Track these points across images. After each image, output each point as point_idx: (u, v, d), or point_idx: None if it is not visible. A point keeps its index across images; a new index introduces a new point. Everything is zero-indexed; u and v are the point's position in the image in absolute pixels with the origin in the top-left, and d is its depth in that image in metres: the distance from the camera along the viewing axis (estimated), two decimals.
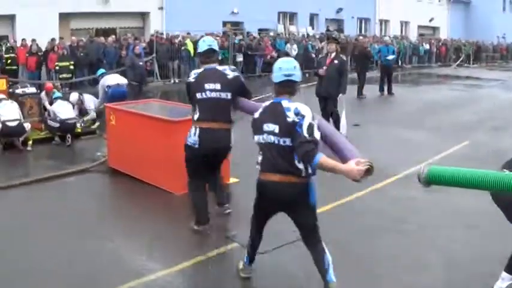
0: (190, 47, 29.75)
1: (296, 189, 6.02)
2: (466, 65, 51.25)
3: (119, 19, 34.17)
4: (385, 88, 26.27)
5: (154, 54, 28.80)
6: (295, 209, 6.26)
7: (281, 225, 7.64)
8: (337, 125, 15.02)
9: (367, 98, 24.76)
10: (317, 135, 5.76)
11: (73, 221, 8.89)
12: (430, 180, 4.98)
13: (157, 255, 7.63)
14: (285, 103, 5.96)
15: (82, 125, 15.65)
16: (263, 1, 39.90)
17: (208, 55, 8.33)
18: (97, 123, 16.04)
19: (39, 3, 28.06)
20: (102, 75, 17.43)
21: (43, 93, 16.01)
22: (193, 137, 8.11)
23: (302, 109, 5.84)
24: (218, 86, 8.04)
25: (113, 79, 16.77)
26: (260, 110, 6.30)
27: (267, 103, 6.28)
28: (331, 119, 14.78)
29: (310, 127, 5.71)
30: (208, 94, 8.04)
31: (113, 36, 29.81)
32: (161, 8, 35.94)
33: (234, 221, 8.89)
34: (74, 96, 16.49)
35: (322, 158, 5.59)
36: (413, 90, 30.04)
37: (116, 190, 11.19)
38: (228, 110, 8.19)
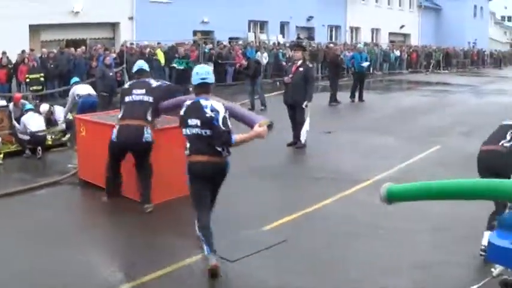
0: (160, 56, 29.74)
1: (218, 166, 7.55)
2: (436, 71, 51.62)
3: (89, 30, 33.96)
4: (356, 95, 26.40)
5: (124, 65, 28.68)
6: (217, 181, 7.79)
7: (250, 231, 7.70)
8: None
9: (339, 105, 24.85)
10: (229, 123, 7.36)
11: (43, 233, 8.84)
12: (390, 199, 5.53)
13: (128, 266, 7.61)
14: (203, 101, 7.42)
15: (52, 136, 15.59)
16: (234, 10, 39.91)
17: (140, 73, 10.43)
18: (68, 135, 15.94)
19: (9, 16, 27.78)
20: (75, 83, 17.42)
21: (11, 105, 15.88)
22: (115, 132, 9.84)
23: (216, 106, 7.38)
24: (143, 91, 9.82)
25: (84, 89, 16.76)
26: (184, 109, 7.64)
27: (188, 102, 7.65)
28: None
29: (224, 120, 7.27)
30: (134, 97, 9.80)
31: (83, 47, 29.69)
32: (131, 18, 35.80)
33: None
34: (45, 107, 16.38)
35: (236, 137, 7.35)
36: (385, 96, 30.22)
37: (87, 202, 11.10)
38: (147, 110, 9.79)
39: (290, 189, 11.65)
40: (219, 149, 7.41)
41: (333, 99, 25.05)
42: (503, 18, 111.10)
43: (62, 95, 24.75)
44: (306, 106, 15.11)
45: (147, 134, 9.71)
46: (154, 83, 10.16)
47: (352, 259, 7.83)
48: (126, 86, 10.25)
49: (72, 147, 14.50)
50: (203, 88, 7.59)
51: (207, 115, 7.28)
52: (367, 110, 24.19)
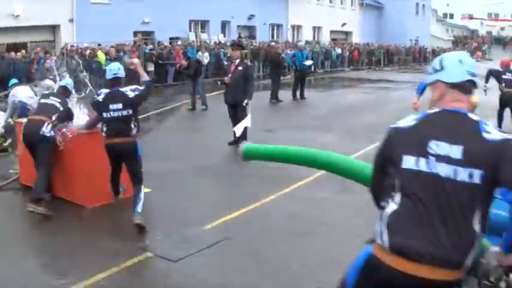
0: (101, 58, 29.54)
1: (130, 145, 8.99)
2: (378, 68, 52.13)
3: (29, 33, 33.61)
4: (298, 93, 26.62)
5: (65, 67, 28.40)
6: (129, 159, 9.09)
7: (192, 230, 7.74)
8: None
9: (280, 104, 25.05)
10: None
11: None
12: (246, 157, 6.76)
13: (71, 269, 7.54)
14: (121, 89, 9.01)
15: None
16: (174, 10, 39.85)
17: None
18: (9, 140, 15.74)
19: None
20: (14, 85, 17.20)
21: None
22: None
23: (135, 86, 9.13)
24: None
25: (24, 92, 16.53)
26: (102, 96, 9.10)
27: (107, 91, 9.16)
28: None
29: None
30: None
31: (23, 51, 29.36)
32: (71, 20, 35.55)
33: (148, 231, 8.90)
34: None
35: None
36: (326, 94, 30.45)
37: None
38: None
39: (232, 187, 11.72)
40: (134, 129, 9.01)
41: (274, 97, 25.27)
42: (445, 15, 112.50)
43: (2, 100, 24.43)
44: (247, 104, 15.18)
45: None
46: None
47: (294, 256, 7.90)
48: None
49: (13, 152, 14.33)
50: (116, 81, 9.21)
51: (130, 96, 8.98)
52: (309, 107, 24.35)
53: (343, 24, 64.98)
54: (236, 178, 12.26)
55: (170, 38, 39.28)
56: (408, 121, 4.06)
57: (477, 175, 3.72)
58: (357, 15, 68.21)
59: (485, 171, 3.71)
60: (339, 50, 50.50)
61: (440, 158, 3.80)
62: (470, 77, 3.99)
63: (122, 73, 9.26)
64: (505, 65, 18.92)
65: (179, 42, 38.30)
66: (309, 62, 27.88)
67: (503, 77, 18.01)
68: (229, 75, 15.31)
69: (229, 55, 21.96)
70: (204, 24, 47.17)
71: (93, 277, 7.21)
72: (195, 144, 15.80)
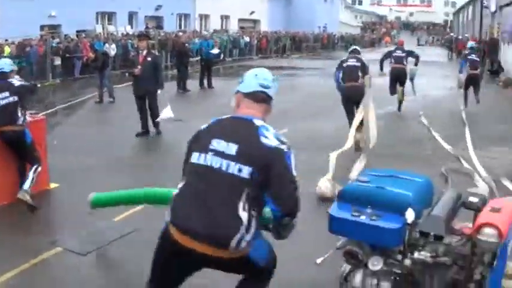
0: (7, 53, 28.93)
1: (18, 133, 9.55)
2: (285, 56, 52.55)
3: None
4: (205, 82, 26.71)
5: None
6: (19, 148, 9.68)
7: (101, 223, 7.69)
8: (155, 123, 15.53)
9: (189, 93, 25.16)
10: None
11: None
12: (94, 205, 7.61)
13: None
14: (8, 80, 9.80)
15: None
16: (81, 2, 39.26)
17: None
18: None
19: None
20: None
21: None
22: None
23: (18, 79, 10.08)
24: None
25: None
26: None
27: None
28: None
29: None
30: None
31: None
32: None
33: (56, 226, 8.81)
34: None
35: None
36: (235, 82, 29.89)
37: None
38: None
39: (141, 179, 11.57)
40: (21, 117, 9.59)
41: (182, 87, 25.38)
42: (353, 1, 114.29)
43: None
44: (157, 93, 15.49)
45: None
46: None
47: None
48: None
49: None
50: (2, 75, 9.78)
51: (16, 85, 9.74)
52: (217, 96, 24.29)
53: (251, 13, 65.20)
54: (145, 170, 12.19)
55: (77, 31, 38.54)
56: (207, 123, 4.83)
57: (246, 171, 4.40)
58: (265, 4, 68.36)
59: (255, 169, 4.40)
60: (247, 39, 50.69)
61: (217, 153, 4.50)
62: (261, 89, 4.76)
63: (7, 68, 9.94)
64: (400, 44, 22.43)
65: (83, 35, 37.72)
66: (215, 51, 27.98)
67: (394, 54, 20.48)
68: (139, 67, 15.26)
69: (136, 46, 21.87)
70: (111, 16, 46.69)
71: (2, 276, 7.06)
72: (103, 137, 15.65)
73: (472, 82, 20.63)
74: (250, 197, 4.42)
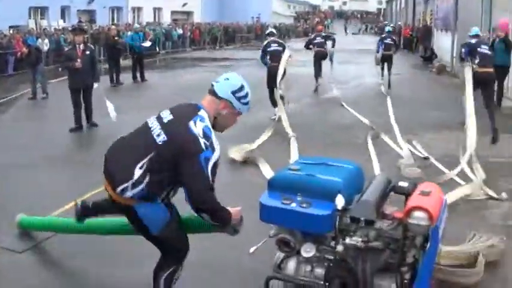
0: None
1: None
2: (218, 47, 52.59)
3: None
4: (138, 75, 26.52)
5: None
6: None
7: None
8: (88, 115, 15.59)
9: (122, 86, 24.98)
10: None
11: None
12: (22, 227, 7.61)
13: None
14: None
15: None
16: None
17: None
18: None
19: None
20: None
21: None
22: None
23: None
24: None
25: None
26: None
27: None
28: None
29: None
30: None
31: None
32: None
33: None
34: None
35: None
36: (168, 75, 30.52)
37: None
38: None
39: (76, 175, 11.48)
40: None
41: (115, 80, 25.19)
42: None
43: None
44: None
45: None
46: None
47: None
48: None
49: None
50: None
51: None
52: (151, 89, 24.32)
53: (184, 5, 65.06)
54: (80, 166, 11.99)
55: (10, 27, 37.86)
56: None
57: (162, 138, 4.99)
58: None
59: (168, 141, 4.96)
60: (180, 31, 50.47)
61: (158, 118, 5.21)
62: (212, 83, 5.36)
63: None
64: (319, 31, 27.23)
65: (16, 31, 37.14)
66: (147, 44, 27.92)
67: (315, 41, 24.33)
68: (78, 60, 15.16)
69: (69, 41, 21.60)
70: (43, 11, 46.13)
71: None
72: (37, 133, 15.43)
73: (386, 60, 24.69)
74: (153, 161, 4.93)
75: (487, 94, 14.22)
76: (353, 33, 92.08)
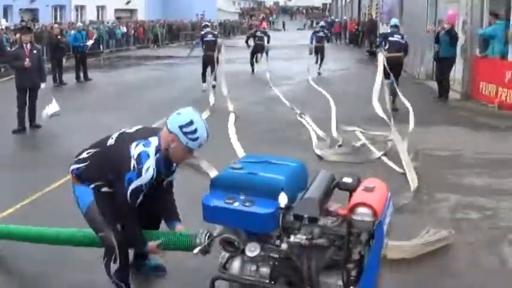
0: None
1: None
2: (162, 45, 52.55)
3: None
4: (82, 75, 26.27)
5: None
6: None
7: None
8: (32, 116, 15.34)
9: (65, 86, 24.70)
10: None
11: None
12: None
13: None
14: None
15: None
16: None
17: None
18: None
19: None
20: None
21: None
22: None
23: None
24: None
25: None
26: None
27: None
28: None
29: None
30: None
31: None
32: None
33: None
34: None
35: None
36: (112, 74, 30.33)
37: None
38: None
39: (23, 175, 11.28)
40: None
41: (58, 80, 24.89)
42: None
43: None
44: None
45: None
46: None
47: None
48: None
49: None
50: None
51: None
52: (94, 88, 24.18)
53: (128, 2, 64.76)
54: (25, 168, 11.77)
55: None
56: None
57: (109, 144, 5.71)
58: None
59: (112, 149, 5.65)
60: (123, 29, 50.14)
61: (124, 130, 5.83)
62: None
63: None
64: (261, 27, 33.78)
65: None
66: (89, 43, 27.82)
67: (256, 35, 30.15)
68: (27, 59, 15.03)
69: (12, 40, 21.30)
70: None
71: None
72: None
73: (317, 51, 29.20)
74: (96, 155, 5.70)
75: (397, 74, 17.12)
76: (298, 29, 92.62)
